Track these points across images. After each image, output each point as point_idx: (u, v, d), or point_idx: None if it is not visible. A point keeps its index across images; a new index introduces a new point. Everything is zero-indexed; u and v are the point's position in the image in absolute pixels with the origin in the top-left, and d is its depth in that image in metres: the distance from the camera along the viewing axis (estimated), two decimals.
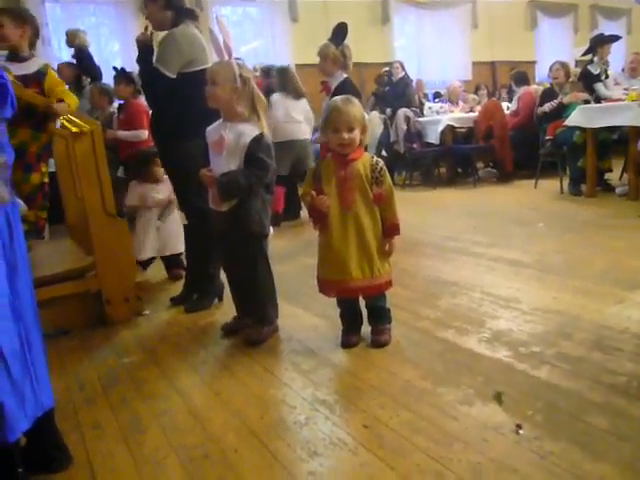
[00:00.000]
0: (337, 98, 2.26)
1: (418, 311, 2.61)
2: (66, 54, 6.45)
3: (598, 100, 5.68)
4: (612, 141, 5.23)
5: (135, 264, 2.99)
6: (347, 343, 2.30)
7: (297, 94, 5.15)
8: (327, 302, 2.44)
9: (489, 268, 3.16)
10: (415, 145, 6.91)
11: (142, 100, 4.46)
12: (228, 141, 2.34)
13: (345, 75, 3.82)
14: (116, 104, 4.66)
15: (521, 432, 1.60)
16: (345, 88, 3.59)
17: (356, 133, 2.17)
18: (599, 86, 5.97)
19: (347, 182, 2.20)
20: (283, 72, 5.28)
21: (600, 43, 6.19)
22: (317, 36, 7.60)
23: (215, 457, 1.64)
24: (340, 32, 3.80)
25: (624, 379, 1.85)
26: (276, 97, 5.07)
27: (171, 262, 3.57)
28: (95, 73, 5.13)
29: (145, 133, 4.36)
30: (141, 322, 2.89)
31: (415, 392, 1.90)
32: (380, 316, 2.34)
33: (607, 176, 5.56)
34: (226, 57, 2.44)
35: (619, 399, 1.72)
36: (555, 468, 1.42)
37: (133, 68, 5.96)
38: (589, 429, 1.58)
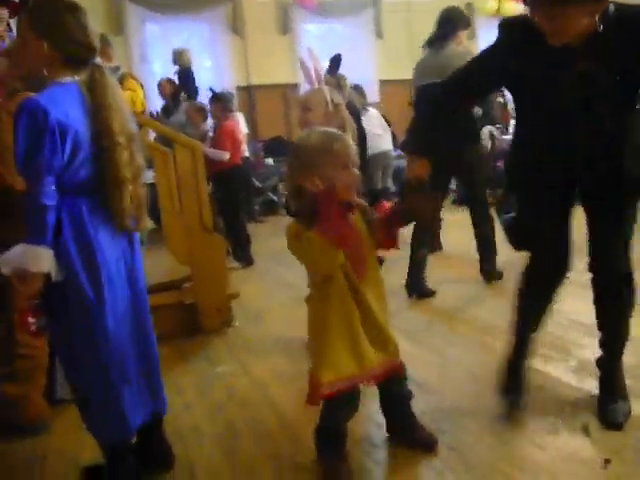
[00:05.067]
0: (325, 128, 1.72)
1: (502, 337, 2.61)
2: (160, 70, 6.86)
3: None
4: None
5: (227, 277, 3.16)
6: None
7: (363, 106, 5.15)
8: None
9: (576, 294, 3.08)
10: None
11: (233, 120, 4.65)
12: None
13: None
14: (210, 122, 4.90)
15: (609, 467, 1.60)
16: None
17: None
18: None
19: (357, 238, 1.60)
20: (358, 89, 5.32)
21: None
22: (401, 52, 7.74)
23: (306, 467, 1.72)
24: (335, 63, 3.84)
25: None
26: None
27: None
28: (194, 91, 5.43)
29: (226, 155, 4.50)
30: (231, 332, 3.05)
31: (507, 421, 1.91)
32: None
33: None
34: (316, 84, 2.58)
35: None
36: None
37: (222, 85, 6.29)
38: None
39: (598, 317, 1.95)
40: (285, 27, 8.04)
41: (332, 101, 2.51)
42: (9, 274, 1.46)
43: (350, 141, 1.62)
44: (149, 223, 1.70)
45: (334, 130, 1.67)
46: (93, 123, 1.52)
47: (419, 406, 2.05)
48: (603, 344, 1.99)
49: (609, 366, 1.98)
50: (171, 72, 6.13)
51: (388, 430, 1.84)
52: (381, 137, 5.15)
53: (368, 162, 4.88)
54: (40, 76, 1.68)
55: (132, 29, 7.26)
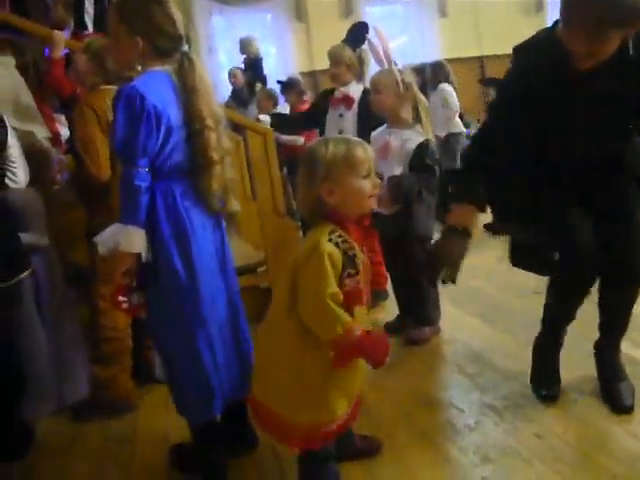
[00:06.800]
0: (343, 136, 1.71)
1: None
2: (226, 61, 6.95)
3: None
4: None
5: None
6: None
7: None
8: (488, 303, 2.41)
9: None
10: None
11: (307, 104, 4.61)
12: (393, 147, 2.41)
13: (362, 87, 2.97)
14: (280, 107, 4.91)
15: None
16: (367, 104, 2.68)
17: None
18: None
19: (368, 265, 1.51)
20: (441, 65, 5.15)
21: None
22: (466, 29, 7.50)
23: (388, 454, 1.71)
24: (358, 32, 3.04)
25: None
26: (448, 87, 4.89)
27: None
28: (264, 80, 5.48)
29: (300, 139, 4.45)
30: None
31: (591, 407, 1.84)
32: None
33: None
34: (386, 65, 2.52)
35: None
36: None
37: (287, 72, 6.28)
38: None
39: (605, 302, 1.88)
40: (347, 11, 7.95)
41: (403, 81, 2.45)
42: (104, 253, 1.52)
43: (370, 148, 1.47)
44: (237, 205, 1.71)
45: (352, 137, 1.53)
46: (184, 108, 1.55)
47: (495, 389, 2.00)
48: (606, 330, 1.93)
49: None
50: (236, 62, 6.18)
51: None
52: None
53: (450, 141, 4.72)
54: (125, 70, 1.74)
55: (199, 22, 7.37)
